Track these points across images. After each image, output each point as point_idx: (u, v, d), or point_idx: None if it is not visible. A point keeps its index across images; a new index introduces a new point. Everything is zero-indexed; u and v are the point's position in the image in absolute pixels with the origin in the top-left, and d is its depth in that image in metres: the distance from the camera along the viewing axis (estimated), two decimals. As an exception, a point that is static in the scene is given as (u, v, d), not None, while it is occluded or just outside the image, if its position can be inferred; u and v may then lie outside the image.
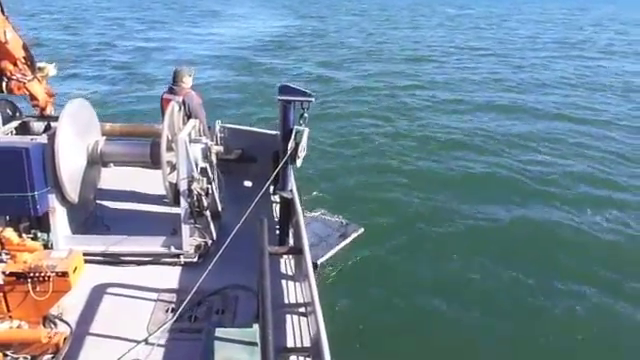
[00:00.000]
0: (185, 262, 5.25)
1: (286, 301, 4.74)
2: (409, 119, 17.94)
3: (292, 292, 4.87)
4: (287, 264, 5.31)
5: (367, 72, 26.50)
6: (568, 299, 8.03)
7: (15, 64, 5.20)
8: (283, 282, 5.01)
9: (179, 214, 5.24)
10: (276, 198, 6.41)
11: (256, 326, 3.49)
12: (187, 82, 6.40)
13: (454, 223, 10.18)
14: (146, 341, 4.17)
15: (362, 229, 5.91)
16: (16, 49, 5.14)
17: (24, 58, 5.29)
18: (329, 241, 5.93)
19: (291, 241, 5.63)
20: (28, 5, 52.96)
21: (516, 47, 37.26)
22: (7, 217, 5.04)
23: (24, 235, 4.57)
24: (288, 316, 4.47)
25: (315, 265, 5.56)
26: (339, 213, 6.73)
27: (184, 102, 6.02)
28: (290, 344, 4.14)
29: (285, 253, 5.19)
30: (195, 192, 5.14)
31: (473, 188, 12.11)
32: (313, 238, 5.98)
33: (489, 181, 12.66)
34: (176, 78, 6.39)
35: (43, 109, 5.84)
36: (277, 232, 5.77)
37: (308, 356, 3.93)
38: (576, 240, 9.87)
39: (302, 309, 4.54)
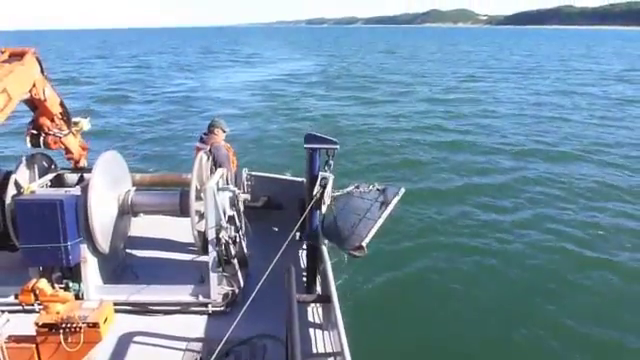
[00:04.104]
0: (213, 311, 5.24)
1: (315, 350, 4.65)
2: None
3: (321, 341, 4.78)
4: (315, 312, 5.24)
5: (384, 95, 33.95)
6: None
7: (52, 120, 5.43)
8: (311, 331, 4.93)
9: (207, 262, 5.27)
10: (302, 245, 6.40)
11: (285, 377, 3.43)
12: (218, 133, 6.58)
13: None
14: None
15: (403, 189, 5.18)
16: (54, 106, 5.37)
17: (60, 114, 5.52)
18: (370, 215, 5.24)
19: (318, 288, 5.58)
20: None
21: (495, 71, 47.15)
22: (40, 267, 5.15)
23: (56, 285, 4.65)
24: None
25: (361, 248, 4.94)
26: (374, 180, 5.94)
27: (211, 151, 6.16)
28: None
29: (313, 301, 5.12)
30: (223, 240, 5.18)
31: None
32: (353, 217, 5.40)
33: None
34: (209, 128, 6.61)
35: (77, 162, 6.05)
36: (304, 279, 5.73)
37: None
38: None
39: (331, 359, 4.44)
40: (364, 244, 4.93)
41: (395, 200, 5.14)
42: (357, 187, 5.77)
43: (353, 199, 5.67)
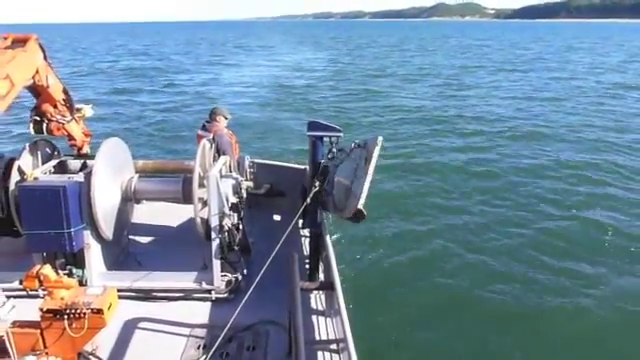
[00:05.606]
0: (216, 298, 5.26)
1: (318, 337, 4.68)
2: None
3: (324, 328, 4.80)
4: (318, 299, 5.26)
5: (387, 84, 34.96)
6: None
7: (55, 106, 5.42)
8: (314, 318, 4.95)
9: (210, 249, 5.28)
10: (305, 232, 6.41)
11: (288, 363, 3.45)
12: (220, 120, 6.57)
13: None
14: None
15: (381, 137, 4.92)
16: (56, 92, 5.36)
17: (64, 100, 5.51)
18: (359, 174, 4.97)
19: (321, 275, 5.60)
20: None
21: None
22: (44, 254, 5.18)
23: (60, 271, 4.67)
24: (320, 353, 4.39)
25: (359, 211, 4.68)
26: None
27: (214, 139, 6.15)
28: None
29: (316, 289, 5.14)
30: (226, 227, 5.18)
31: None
32: (345, 182, 5.18)
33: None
34: (211, 115, 6.60)
35: (80, 148, 6.05)
36: (307, 266, 5.74)
37: None
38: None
39: (334, 346, 4.47)
40: (360, 206, 4.69)
41: (376, 151, 4.86)
42: (341, 150, 5.46)
43: (343, 162, 5.39)
